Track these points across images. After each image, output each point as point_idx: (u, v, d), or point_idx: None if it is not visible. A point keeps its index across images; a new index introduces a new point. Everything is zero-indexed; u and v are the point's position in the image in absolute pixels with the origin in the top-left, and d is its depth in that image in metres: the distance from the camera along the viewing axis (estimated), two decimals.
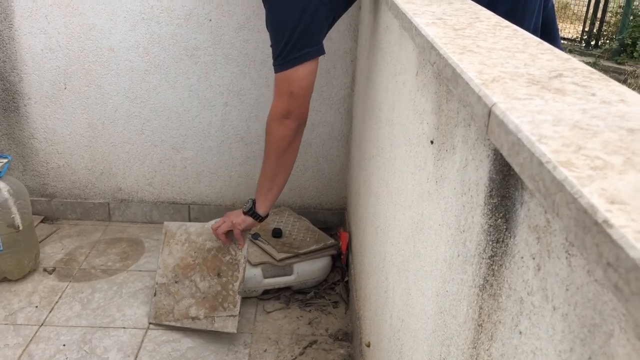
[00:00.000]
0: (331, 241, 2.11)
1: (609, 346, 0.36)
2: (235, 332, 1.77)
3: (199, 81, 2.25)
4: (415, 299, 0.93)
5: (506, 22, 0.89)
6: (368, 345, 1.46)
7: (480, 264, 0.62)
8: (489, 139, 0.57)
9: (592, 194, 0.35)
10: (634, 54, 6.56)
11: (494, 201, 0.58)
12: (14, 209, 1.94)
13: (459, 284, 0.69)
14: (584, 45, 7.24)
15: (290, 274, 2.01)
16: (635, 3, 6.85)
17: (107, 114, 2.31)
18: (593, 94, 0.55)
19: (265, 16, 1.57)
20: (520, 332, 0.51)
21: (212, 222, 2.16)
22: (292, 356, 1.76)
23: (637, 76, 5.89)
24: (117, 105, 2.29)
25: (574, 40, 7.38)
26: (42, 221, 2.45)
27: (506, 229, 0.55)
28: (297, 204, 2.44)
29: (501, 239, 0.56)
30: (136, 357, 1.73)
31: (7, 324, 1.84)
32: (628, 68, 6.24)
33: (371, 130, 1.59)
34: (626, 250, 0.30)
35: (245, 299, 1.95)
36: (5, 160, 1.99)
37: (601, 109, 0.51)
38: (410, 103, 1.01)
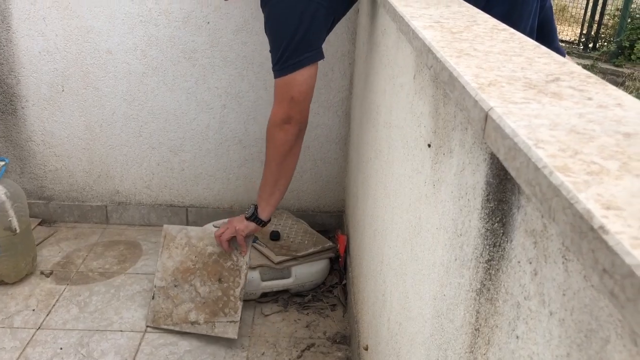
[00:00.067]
0: (329, 244, 2.11)
1: (605, 352, 0.36)
2: (236, 338, 1.77)
3: (197, 84, 2.25)
4: (412, 303, 0.93)
5: (503, 26, 0.89)
6: (366, 349, 1.45)
7: (478, 268, 0.61)
8: (485, 143, 0.56)
9: (588, 200, 0.35)
10: (632, 56, 6.57)
11: (491, 205, 0.58)
12: (11, 212, 1.93)
13: (456, 288, 0.69)
14: (581, 47, 7.26)
15: (288, 276, 2.00)
16: (633, 6, 6.86)
17: (104, 117, 2.30)
18: (590, 98, 0.55)
19: (264, 21, 1.57)
20: (517, 337, 0.50)
21: (212, 224, 2.17)
22: (289, 359, 1.76)
23: (634, 78, 5.90)
24: (114, 107, 2.29)
25: (571, 42, 7.39)
26: (39, 224, 2.44)
27: (503, 233, 0.55)
28: (295, 206, 2.44)
29: (498, 243, 0.56)
30: None
31: (3, 327, 1.83)
32: (626, 70, 6.25)
33: (369, 133, 1.59)
34: (622, 256, 0.30)
35: (243, 302, 1.95)
36: (2, 163, 1.98)
37: (598, 113, 0.51)
38: (407, 106, 1.01)
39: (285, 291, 2.04)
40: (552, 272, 0.44)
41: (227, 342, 1.80)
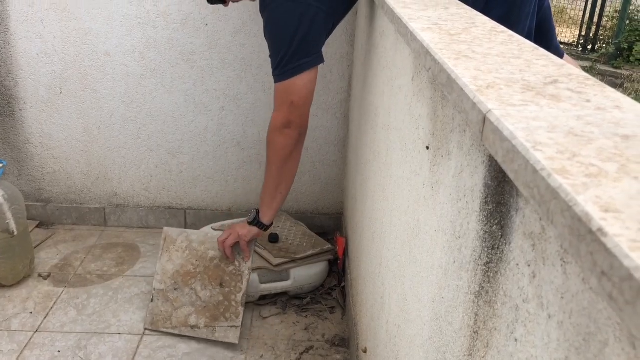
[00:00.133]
0: (328, 246, 2.11)
1: (603, 355, 0.36)
2: (237, 342, 1.77)
3: (195, 86, 2.25)
4: (411, 305, 0.93)
5: (502, 28, 0.89)
6: (365, 351, 1.45)
7: (476, 270, 0.61)
8: (484, 146, 0.56)
9: (587, 202, 0.35)
10: (631, 58, 6.58)
11: (490, 208, 0.58)
12: (9, 214, 1.93)
13: (455, 291, 0.68)
14: (580, 49, 7.27)
15: (287, 279, 2.00)
16: (632, 7, 6.88)
17: (103, 119, 2.30)
18: (588, 101, 0.55)
19: (263, 26, 1.57)
20: (516, 340, 0.50)
21: (210, 227, 2.17)
22: None
23: (633, 80, 5.91)
24: (113, 109, 2.29)
25: (570, 44, 7.41)
26: (37, 226, 2.44)
27: (501, 235, 0.55)
28: (294, 208, 2.43)
29: (496, 246, 0.56)
30: None
31: (1, 330, 1.83)
32: (625, 72, 6.26)
33: (367, 135, 1.58)
34: (620, 259, 0.30)
35: (244, 307, 1.95)
36: (0, 165, 1.98)
37: (596, 115, 0.51)
38: (406, 108, 1.01)
39: (284, 294, 2.03)
40: (551, 275, 0.44)
41: (226, 345, 1.79)
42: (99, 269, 2.17)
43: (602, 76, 6.05)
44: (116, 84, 2.24)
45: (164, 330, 1.84)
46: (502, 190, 0.55)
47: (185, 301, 1.86)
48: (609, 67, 6.53)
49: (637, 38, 6.66)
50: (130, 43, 2.18)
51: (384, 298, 1.20)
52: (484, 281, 0.59)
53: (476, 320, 0.61)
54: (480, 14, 1.02)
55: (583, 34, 7.33)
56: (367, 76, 1.66)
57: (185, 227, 2.42)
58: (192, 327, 1.82)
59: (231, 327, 1.79)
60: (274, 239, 2.09)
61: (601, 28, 7.18)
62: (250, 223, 1.79)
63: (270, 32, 1.54)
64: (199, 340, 1.81)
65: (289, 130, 1.60)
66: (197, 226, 2.38)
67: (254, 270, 1.95)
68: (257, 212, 1.78)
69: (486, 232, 0.59)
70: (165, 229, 1.97)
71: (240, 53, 2.20)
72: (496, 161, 0.50)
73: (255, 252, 2.03)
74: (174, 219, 2.47)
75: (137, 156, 2.36)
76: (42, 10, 2.14)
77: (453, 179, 0.70)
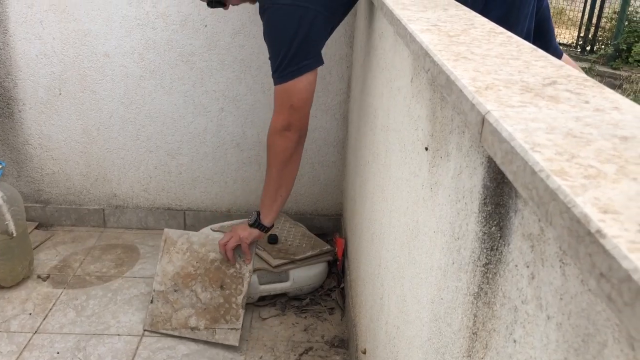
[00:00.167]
0: (327, 247, 2.11)
1: (602, 356, 0.36)
2: (237, 345, 1.77)
3: (195, 87, 2.25)
4: (410, 306, 0.92)
5: (500, 29, 0.89)
6: (364, 352, 1.45)
7: (475, 271, 0.61)
8: (482, 147, 0.56)
9: (585, 204, 0.35)
10: (629, 59, 6.59)
11: (488, 209, 0.58)
12: (8, 216, 1.93)
13: (454, 292, 0.68)
14: (579, 50, 7.27)
15: (286, 280, 2.00)
16: (630, 9, 6.88)
17: (102, 120, 2.30)
18: (587, 102, 0.55)
19: (263, 28, 1.57)
20: (515, 341, 0.50)
21: (209, 228, 2.17)
22: None
23: (632, 81, 5.92)
24: (112, 111, 2.29)
25: (569, 45, 7.41)
26: (36, 227, 2.44)
27: (500, 236, 0.55)
28: (293, 210, 2.43)
29: (495, 247, 0.56)
30: None
31: (0, 331, 1.83)
32: (623, 73, 6.26)
33: (366, 136, 1.59)
34: (619, 260, 0.30)
35: (245, 309, 1.95)
36: None
37: (595, 116, 0.51)
38: (405, 109, 1.01)
39: (283, 295, 2.03)
40: (550, 276, 0.44)
41: (225, 347, 1.79)
42: (98, 270, 2.17)
43: (601, 77, 6.06)
44: (115, 85, 2.24)
45: (164, 331, 1.83)
46: (501, 192, 0.55)
47: (185, 303, 1.86)
48: (607, 68, 6.54)
49: (636, 39, 6.67)
50: (129, 44, 2.18)
51: (383, 299, 1.20)
52: (483, 282, 0.59)
53: (475, 322, 0.61)
54: (479, 15, 1.02)
55: (582, 35, 7.34)
56: (366, 77, 1.66)
57: (185, 228, 2.42)
58: (192, 328, 1.81)
59: (231, 329, 1.79)
60: (273, 240, 2.09)
61: (600, 29, 7.19)
62: (251, 225, 1.79)
63: (270, 35, 1.54)
64: (198, 341, 1.81)
65: (289, 133, 1.60)
66: (196, 227, 2.37)
67: (253, 271, 1.95)
68: (258, 214, 1.78)
69: (485, 233, 0.59)
70: (166, 230, 1.97)
71: (240, 54, 2.20)
72: (495, 162, 0.50)
73: (255, 253, 2.03)
74: (173, 220, 2.46)
75: (136, 157, 2.36)
76: (41, 12, 2.14)
77: (452, 180, 0.70)
